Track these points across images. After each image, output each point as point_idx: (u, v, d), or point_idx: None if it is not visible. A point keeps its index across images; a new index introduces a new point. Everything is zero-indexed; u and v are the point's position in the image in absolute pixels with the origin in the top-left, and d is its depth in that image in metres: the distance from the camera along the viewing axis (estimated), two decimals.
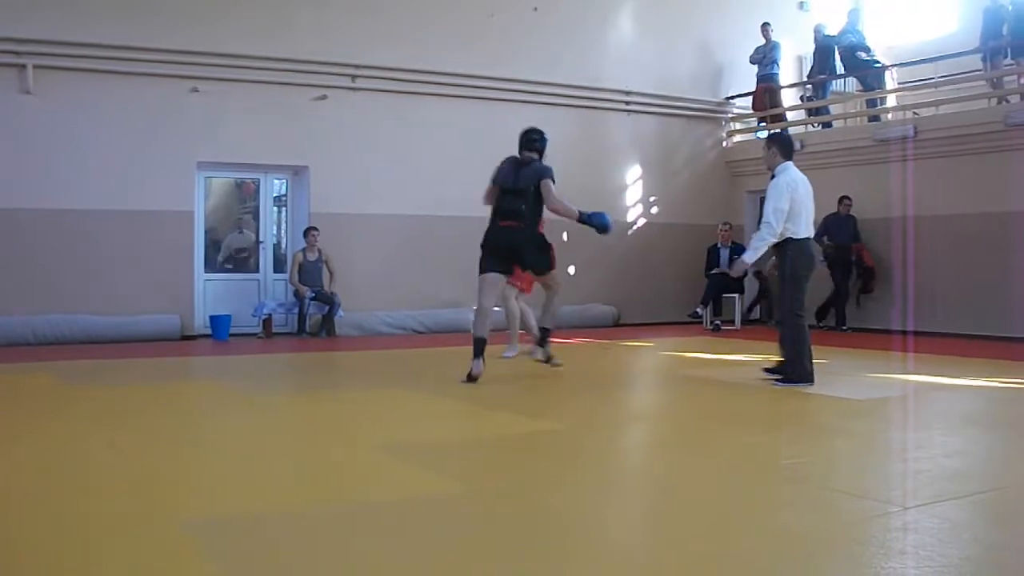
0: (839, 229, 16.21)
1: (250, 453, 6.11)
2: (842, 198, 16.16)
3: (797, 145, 17.33)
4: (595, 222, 9.61)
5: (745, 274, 16.70)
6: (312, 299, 14.83)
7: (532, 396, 8.64)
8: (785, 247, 8.75)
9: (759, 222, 8.91)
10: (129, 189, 13.96)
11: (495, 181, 9.84)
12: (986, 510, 4.69)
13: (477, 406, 7.95)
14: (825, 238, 15.53)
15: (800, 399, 8.33)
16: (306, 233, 15.00)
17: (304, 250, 14.99)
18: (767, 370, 9.01)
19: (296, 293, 14.86)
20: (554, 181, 9.53)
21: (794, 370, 8.73)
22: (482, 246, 9.69)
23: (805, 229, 8.75)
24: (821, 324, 16.21)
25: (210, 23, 14.41)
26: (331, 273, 15.06)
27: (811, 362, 8.79)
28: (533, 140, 9.85)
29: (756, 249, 8.87)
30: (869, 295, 16.28)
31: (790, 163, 8.95)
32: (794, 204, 8.67)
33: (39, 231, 13.49)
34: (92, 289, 13.65)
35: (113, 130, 13.86)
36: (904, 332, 14.43)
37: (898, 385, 9.45)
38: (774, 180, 8.87)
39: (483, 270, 9.58)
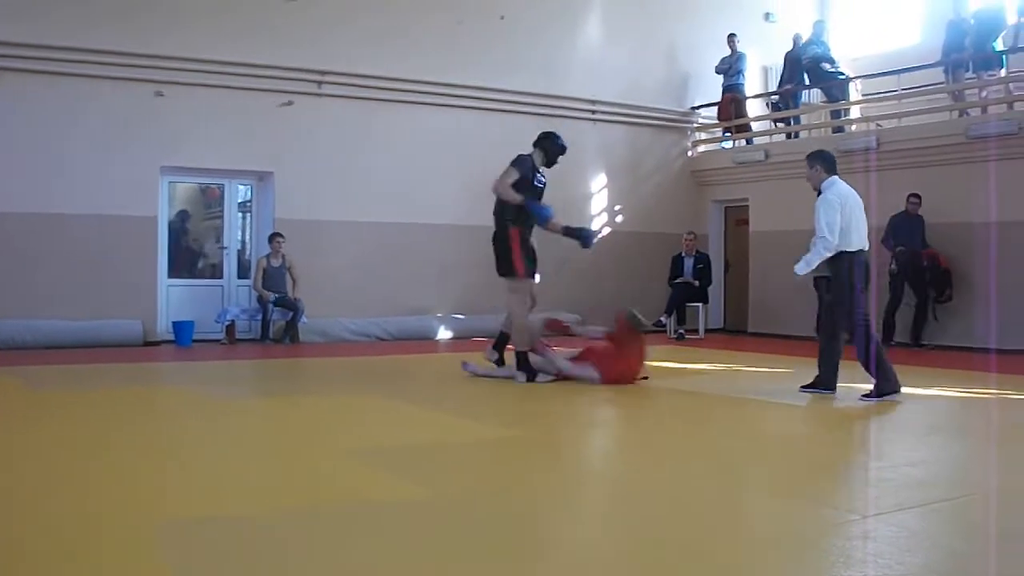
0: (908, 232, 14.91)
1: (214, 459, 6.08)
2: (910, 196, 14.94)
3: (761, 155, 17.59)
4: (535, 212, 9.61)
5: (701, 286, 16.87)
6: (275, 305, 14.76)
7: (495, 403, 8.63)
8: (839, 260, 8.80)
9: (812, 238, 8.98)
10: (92, 193, 13.85)
11: None
12: (945, 518, 4.72)
13: (440, 412, 7.96)
14: (892, 242, 14.88)
15: (763, 409, 8.38)
16: (271, 239, 14.95)
17: (268, 256, 14.94)
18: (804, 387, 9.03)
19: (260, 299, 14.79)
20: (517, 169, 9.61)
21: (821, 377, 8.88)
22: None
23: (858, 241, 8.83)
24: (892, 342, 14.57)
25: (176, 28, 14.33)
26: (294, 280, 14.99)
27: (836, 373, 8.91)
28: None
29: (809, 262, 8.88)
30: (946, 304, 15.03)
31: (836, 177, 9.06)
32: (844, 218, 8.75)
33: (1, 235, 13.38)
34: (54, 294, 13.54)
35: (77, 134, 13.76)
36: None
37: (860, 394, 9.50)
38: (823, 195, 8.93)
39: None
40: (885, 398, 8.57)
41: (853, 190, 9.04)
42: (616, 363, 9.37)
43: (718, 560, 3.99)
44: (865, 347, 8.69)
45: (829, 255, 8.75)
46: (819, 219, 8.74)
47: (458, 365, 10.82)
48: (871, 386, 8.69)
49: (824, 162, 9.13)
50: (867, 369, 8.70)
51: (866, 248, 8.93)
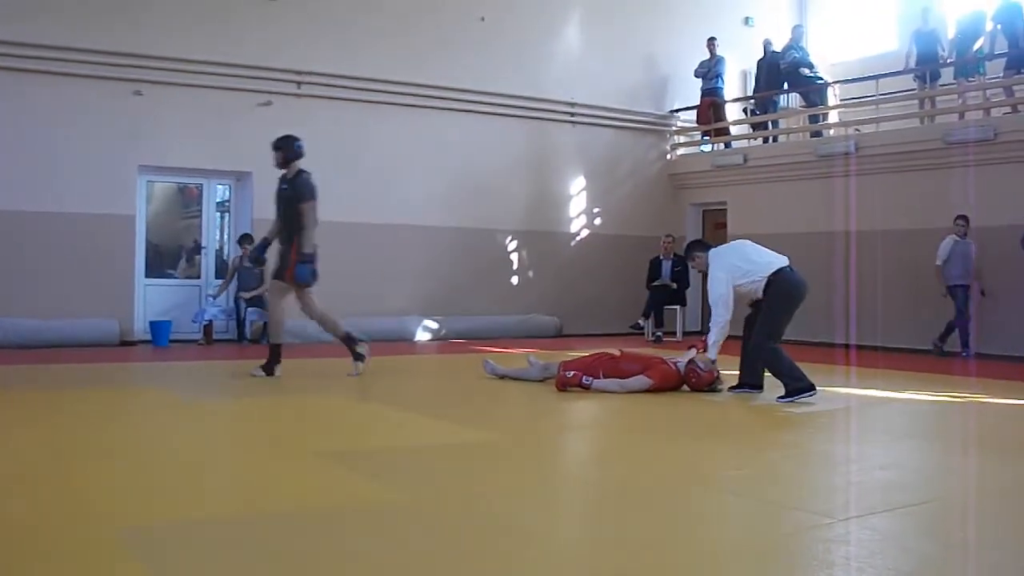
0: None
1: (188, 460, 6.05)
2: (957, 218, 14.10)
3: (739, 159, 17.63)
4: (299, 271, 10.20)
5: (679, 289, 16.91)
6: (249, 304, 14.73)
7: (472, 406, 8.62)
8: (769, 286, 8.96)
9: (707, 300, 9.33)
10: (70, 192, 13.80)
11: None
12: (917, 521, 4.74)
13: (416, 415, 7.95)
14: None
15: (738, 411, 8.40)
16: (240, 241, 14.91)
17: (240, 256, 14.89)
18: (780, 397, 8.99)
19: (238, 301, 14.74)
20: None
21: (791, 385, 8.79)
22: None
23: (775, 264, 9.08)
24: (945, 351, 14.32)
25: (155, 26, 14.30)
26: (263, 281, 14.91)
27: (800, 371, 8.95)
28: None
29: (716, 343, 9.12)
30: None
31: (713, 250, 9.41)
32: (745, 264, 9.06)
33: None
34: (29, 292, 13.47)
35: (54, 132, 13.71)
36: (847, 346, 14.61)
37: (835, 398, 9.53)
38: (710, 274, 9.18)
39: None
40: (799, 397, 8.71)
41: (734, 243, 9.68)
42: (664, 367, 9.33)
43: (690, 563, 4.00)
44: (771, 362, 9.05)
45: (729, 317, 9.01)
46: (711, 295, 9.14)
47: (434, 366, 10.79)
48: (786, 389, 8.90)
49: (698, 247, 9.65)
50: (779, 377, 8.94)
51: (786, 265, 9.17)
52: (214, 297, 14.95)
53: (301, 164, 10.53)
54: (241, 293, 14.77)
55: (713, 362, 9.21)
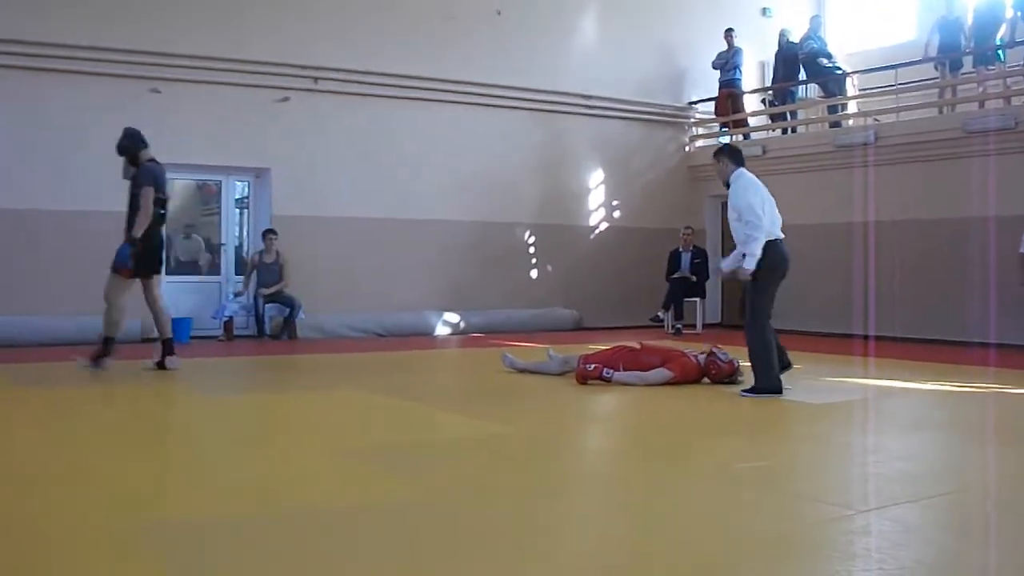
0: None
1: (208, 456, 6.07)
2: None
3: (758, 150, 17.56)
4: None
5: (698, 281, 16.88)
6: (268, 301, 14.76)
7: (492, 400, 8.61)
8: (765, 254, 8.63)
9: (737, 231, 8.81)
10: (89, 190, 13.81)
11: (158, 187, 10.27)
12: (938, 513, 4.72)
13: (436, 409, 7.95)
14: None
15: (757, 404, 8.36)
16: (264, 235, 14.94)
17: (261, 252, 14.92)
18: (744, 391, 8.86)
19: (256, 297, 14.77)
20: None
21: (762, 381, 8.57)
22: None
23: (774, 230, 8.73)
24: None
25: (172, 24, 14.32)
26: (282, 277, 14.93)
27: (777, 371, 8.63)
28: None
29: (753, 255, 8.58)
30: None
31: (743, 169, 8.92)
32: (759, 207, 8.61)
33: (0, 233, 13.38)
34: (51, 291, 13.52)
35: (73, 130, 13.73)
36: (866, 336, 14.56)
37: (855, 389, 9.51)
38: (735, 184, 8.79)
39: None
40: (762, 396, 8.43)
41: (758, 181, 8.94)
42: (685, 360, 9.31)
43: (712, 556, 3.99)
44: (757, 346, 8.63)
45: (764, 237, 8.58)
46: (740, 205, 8.67)
47: (453, 360, 10.78)
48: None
49: (731, 155, 9.06)
50: (753, 365, 8.68)
51: (780, 237, 8.82)
52: (236, 295, 14.95)
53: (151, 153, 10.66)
54: (261, 290, 14.77)
55: (749, 272, 8.69)
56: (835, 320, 15.93)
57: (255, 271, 14.88)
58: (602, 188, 18.41)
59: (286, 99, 15.27)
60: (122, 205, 14.02)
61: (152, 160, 10.44)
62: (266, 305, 14.80)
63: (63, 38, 13.58)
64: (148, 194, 10.28)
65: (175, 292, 14.98)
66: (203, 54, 14.49)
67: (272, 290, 14.80)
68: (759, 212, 8.53)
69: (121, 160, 10.76)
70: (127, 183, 14.08)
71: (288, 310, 14.85)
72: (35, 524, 4.35)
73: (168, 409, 8.32)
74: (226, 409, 8.17)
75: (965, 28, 16.25)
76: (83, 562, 3.82)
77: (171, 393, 9.15)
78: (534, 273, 17.70)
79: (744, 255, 8.60)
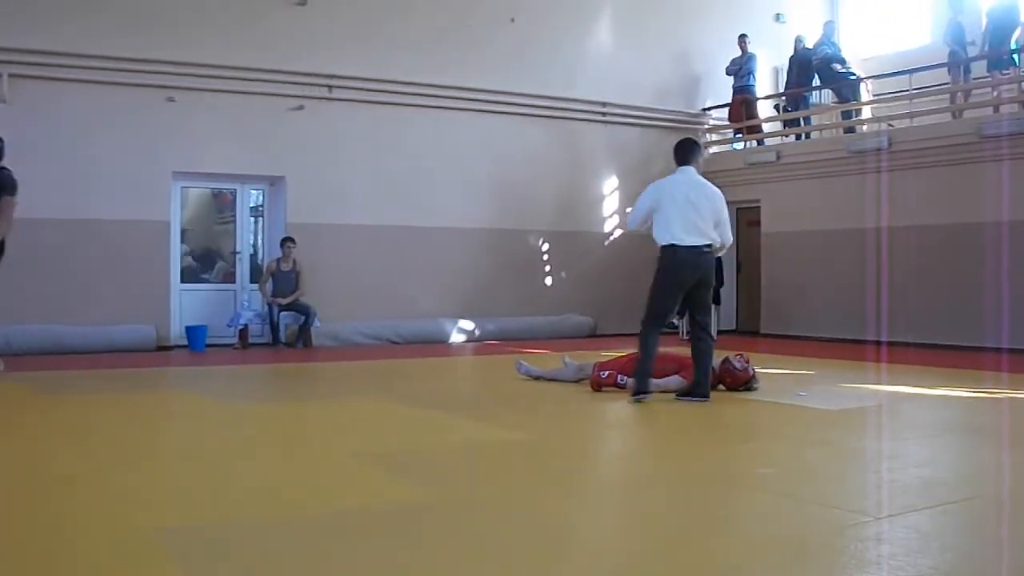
0: None
1: (223, 462, 6.09)
2: None
3: (772, 156, 17.52)
4: None
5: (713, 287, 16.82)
6: (284, 309, 14.79)
7: (506, 407, 8.61)
8: (661, 253, 8.68)
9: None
10: (105, 199, 13.91)
11: None
12: (956, 519, 4.71)
13: (450, 416, 7.95)
14: None
15: (771, 410, 8.36)
16: (282, 243, 14.97)
17: (278, 260, 14.96)
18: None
19: (271, 305, 14.80)
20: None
21: (635, 385, 8.59)
22: None
23: (669, 236, 8.55)
24: None
25: (186, 33, 14.39)
26: (299, 285, 14.96)
27: (644, 376, 8.60)
28: None
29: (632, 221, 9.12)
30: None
31: (682, 167, 8.89)
32: (659, 206, 8.64)
33: (14, 240, 13.36)
34: (67, 300, 13.60)
35: (89, 139, 13.83)
36: (878, 342, 14.54)
37: (870, 395, 9.50)
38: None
39: None
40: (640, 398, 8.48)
41: (698, 181, 8.86)
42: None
43: (728, 562, 3.98)
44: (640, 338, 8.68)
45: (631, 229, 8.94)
46: None
47: (468, 367, 10.78)
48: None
49: (674, 151, 9.15)
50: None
51: (682, 243, 8.52)
52: (278, 305, 14.92)
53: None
54: (276, 299, 14.77)
55: None
56: (848, 326, 15.90)
57: (271, 278, 14.90)
58: (616, 195, 18.41)
59: (300, 107, 15.32)
60: (146, 214, 14.20)
61: (6, 168, 10.49)
62: (281, 313, 14.83)
63: (79, 48, 13.67)
64: (10, 203, 10.38)
65: (191, 299, 15.07)
66: (218, 63, 14.56)
67: (289, 300, 14.82)
68: (636, 206, 8.92)
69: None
70: (150, 190, 14.26)
71: (303, 318, 14.88)
72: (55, 528, 4.38)
73: (185, 417, 8.34)
74: (242, 417, 8.18)
75: (967, 33, 16.17)
76: (100, 565, 3.84)
77: (188, 401, 9.17)
78: (549, 280, 17.71)
79: None
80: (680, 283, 8.61)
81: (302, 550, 4.04)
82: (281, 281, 14.87)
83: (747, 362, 9.40)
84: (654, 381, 8.86)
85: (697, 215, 8.56)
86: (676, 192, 8.68)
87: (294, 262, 14.96)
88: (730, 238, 8.97)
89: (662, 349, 9.81)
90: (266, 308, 14.94)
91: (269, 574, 3.79)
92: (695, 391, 8.62)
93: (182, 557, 3.96)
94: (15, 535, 4.28)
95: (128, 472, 5.68)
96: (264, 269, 15.25)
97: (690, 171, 8.86)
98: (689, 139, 9.38)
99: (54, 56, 13.57)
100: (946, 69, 16.46)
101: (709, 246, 8.59)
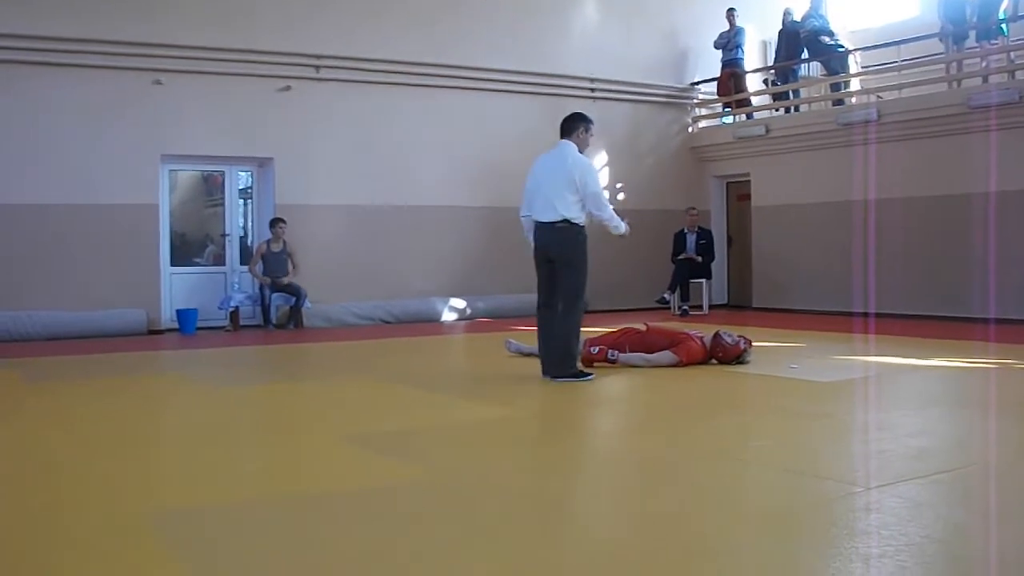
0: None
1: (216, 444, 6.09)
2: None
3: (761, 130, 17.52)
4: None
5: (704, 262, 16.86)
6: (275, 290, 14.76)
7: (497, 384, 8.62)
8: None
9: None
10: (92, 183, 13.86)
11: None
12: (949, 489, 4.73)
13: (442, 395, 7.98)
14: None
15: (763, 383, 8.38)
16: (272, 224, 14.94)
17: (268, 241, 14.93)
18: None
19: (262, 287, 14.77)
20: None
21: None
22: None
23: (533, 212, 8.62)
24: None
25: (171, 14, 14.31)
26: (294, 266, 14.96)
27: (541, 355, 8.61)
28: None
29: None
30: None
31: (561, 141, 8.72)
32: (528, 186, 8.68)
33: (1, 226, 13.37)
34: (56, 285, 13.55)
35: (75, 124, 13.76)
36: (866, 314, 14.58)
37: (860, 367, 9.52)
38: None
39: None
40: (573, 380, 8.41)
41: (545, 155, 8.84)
42: (691, 343, 9.31)
43: (719, 534, 4.00)
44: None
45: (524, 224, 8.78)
46: None
47: (459, 346, 10.79)
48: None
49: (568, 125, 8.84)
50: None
51: (539, 220, 8.53)
52: (268, 287, 14.87)
53: None
54: (274, 279, 14.73)
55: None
56: (839, 298, 15.91)
57: (262, 260, 14.87)
58: (606, 171, 18.37)
59: (288, 88, 15.26)
60: (134, 198, 14.16)
61: None
62: (273, 294, 14.81)
63: (64, 32, 13.57)
64: None
65: (181, 283, 15.04)
66: (204, 44, 14.47)
67: (284, 281, 14.80)
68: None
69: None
70: (138, 174, 14.21)
71: (294, 299, 14.86)
72: (47, 512, 4.39)
73: (176, 400, 8.34)
74: (234, 398, 8.19)
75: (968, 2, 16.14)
76: (94, 548, 3.85)
77: (179, 384, 9.17)
78: None
79: None
80: (538, 260, 8.67)
81: (294, 530, 4.05)
82: (273, 262, 14.84)
83: (749, 344, 9.41)
84: (645, 356, 8.87)
85: (551, 190, 8.42)
86: (539, 167, 8.70)
87: (284, 243, 14.94)
88: (605, 210, 8.65)
89: (655, 323, 9.84)
90: (257, 290, 14.91)
91: (263, 555, 3.79)
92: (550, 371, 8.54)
93: (175, 539, 3.97)
94: (8, 520, 4.28)
95: (120, 456, 5.68)
96: (254, 251, 15.21)
97: (563, 145, 8.66)
98: (574, 113, 9.06)
99: (40, 41, 13.48)
100: (935, 40, 16.42)
101: (565, 221, 8.40)
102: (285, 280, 14.85)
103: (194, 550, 3.86)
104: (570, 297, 8.49)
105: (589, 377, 8.45)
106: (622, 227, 8.82)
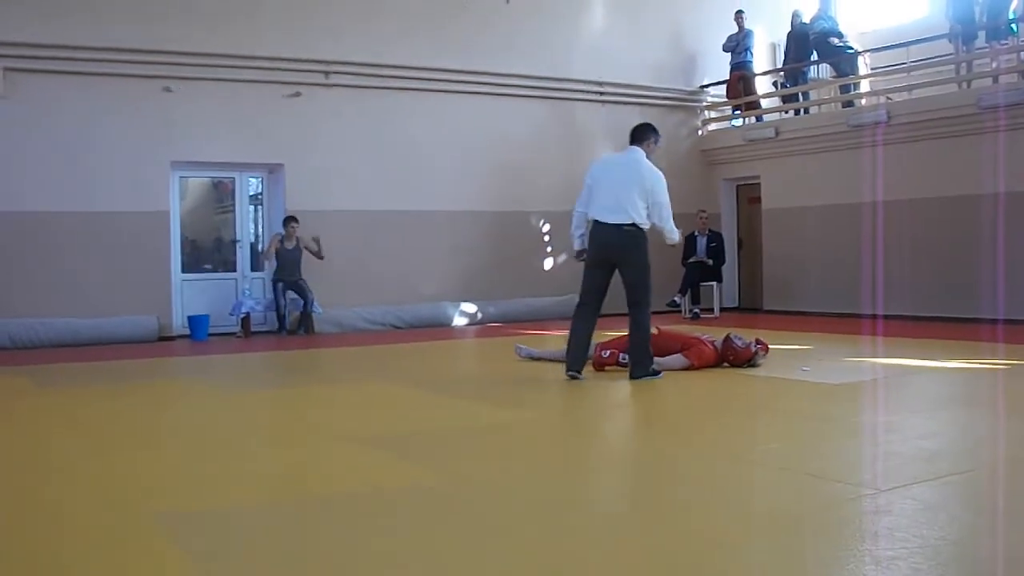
0: None
1: (225, 447, 6.10)
2: None
3: (771, 132, 17.50)
4: None
5: (715, 265, 16.84)
6: (285, 286, 14.74)
7: (509, 388, 8.63)
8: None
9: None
10: (103, 191, 13.89)
11: None
12: (962, 490, 4.71)
13: (453, 398, 7.98)
14: None
15: (773, 386, 8.37)
16: (285, 223, 14.93)
17: (282, 238, 14.92)
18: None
19: (274, 283, 14.76)
20: None
21: (568, 357, 8.70)
22: None
23: (595, 212, 8.61)
24: None
25: (182, 22, 14.35)
26: (319, 247, 15.01)
27: (572, 353, 8.68)
28: None
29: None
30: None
31: (630, 147, 9.00)
32: (591, 184, 8.71)
33: (13, 234, 13.41)
34: (68, 292, 13.59)
35: (87, 131, 13.80)
36: (874, 316, 14.56)
37: (870, 369, 9.50)
38: None
39: None
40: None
41: (619, 157, 9.09)
42: (703, 347, 9.31)
43: (730, 536, 3.99)
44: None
45: (575, 219, 8.84)
46: None
47: (470, 350, 10.79)
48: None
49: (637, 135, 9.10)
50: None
51: (603, 220, 8.57)
52: (281, 289, 14.93)
53: None
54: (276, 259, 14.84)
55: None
56: (850, 300, 15.87)
57: (275, 255, 14.86)
58: None
59: (297, 94, 15.28)
60: (145, 205, 14.19)
61: None
62: (286, 292, 14.77)
63: (74, 40, 13.61)
64: None
65: (192, 289, 15.06)
66: (213, 51, 14.52)
67: (319, 251, 14.99)
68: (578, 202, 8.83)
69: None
70: (149, 181, 14.25)
71: (303, 303, 14.84)
72: (57, 512, 4.40)
73: (189, 405, 8.35)
74: (245, 402, 8.21)
75: (979, 0, 16.08)
76: (101, 551, 3.86)
77: (190, 389, 9.19)
78: (549, 262, 17.68)
79: None
80: (594, 260, 8.71)
81: (305, 534, 4.05)
82: (286, 260, 14.85)
83: (766, 350, 9.43)
84: (657, 359, 8.85)
85: (624, 194, 8.56)
86: (601, 169, 8.88)
87: (298, 240, 14.93)
88: (668, 222, 8.88)
89: (666, 327, 9.83)
90: (272, 295, 14.91)
91: (272, 557, 3.80)
92: (634, 372, 8.63)
93: (180, 540, 3.97)
94: (15, 521, 4.31)
95: (126, 459, 5.70)
96: (268, 241, 15.21)
97: (634, 151, 8.90)
98: (645, 123, 9.38)
99: (50, 49, 13.53)
100: (945, 40, 16.38)
101: (633, 225, 8.52)
102: (316, 249, 14.98)
103: (201, 550, 3.87)
104: (643, 297, 8.73)
105: (661, 375, 8.62)
106: (676, 237, 9.10)
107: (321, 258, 14.99)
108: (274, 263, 14.90)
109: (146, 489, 4.93)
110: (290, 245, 14.91)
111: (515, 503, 4.57)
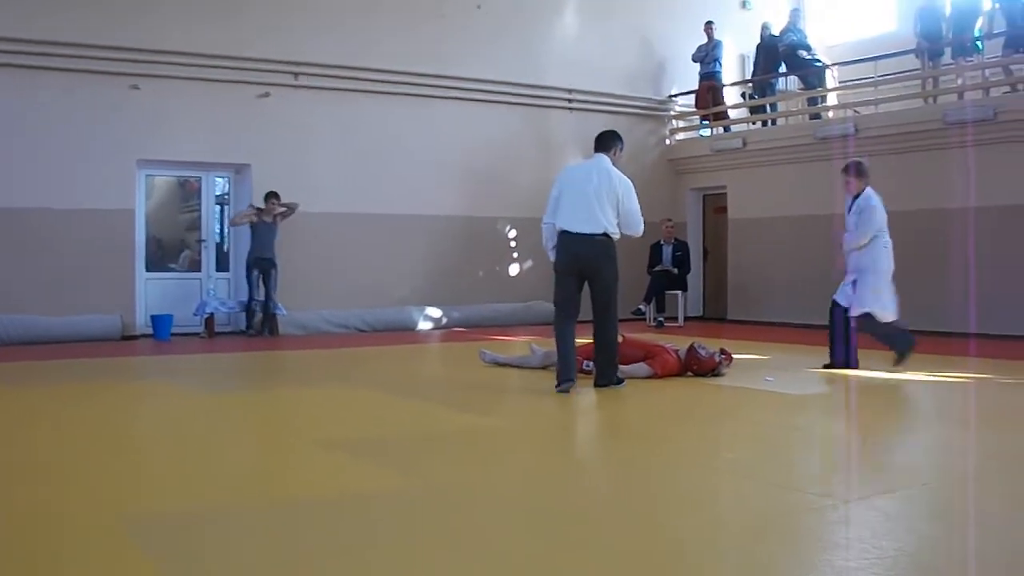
0: None
1: (191, 451, 6.07)
2: None
3: (739, 143, 17.57)
4: None
5: (680, 274, 16.91)
6: (259, 277, 14.67)
7: (474, 393, 8.62)
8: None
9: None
10: (68, 187, 13.78)
11: None
12: (923, 503, 4.74)
13: (420, 402, 7.96)
14: None
15: (739, 396, 8.40)
16: (267, 198, 14.83)
17: (259, 211, 14.82)
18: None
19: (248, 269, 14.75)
20: None
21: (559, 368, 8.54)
22: None
23: (563, 222, 8.52)
24: None
25: (150, 19, 14.27)
26: (290, 208, 14.94)
27: (563, 360, 8.48)
28: None
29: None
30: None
31: (597, 154, 9.04)
32: (558, 196, 8.64)
33: None
34: (30, 289, 13.46)
35: (53, 128, 13.68)
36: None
37: (835, 380, 9.55)
38: None
39: None
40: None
41: (587, 164, 9.03)
42: (666, 356, 9.32)
43: (693, 544, 4.00)
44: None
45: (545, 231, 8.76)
46: None
47: (435, 355, 10.78)
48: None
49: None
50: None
51: (573, 230, 8.46)
52: (249, 263, 14.83)
53: None
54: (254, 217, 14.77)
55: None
56: (815, 311, 15.87)
57: (251, 230, 14.80)
58: None
59: (266, 95, 15.22)
60: (110, 203, 14.08)
61: None
62: (259, 283, 14.73)
63: (40, 35, 13.52)
64: None
65: (156, 288, 14.97)
66: (182, 50, 14.43)
67: (290, 207, 14.89)
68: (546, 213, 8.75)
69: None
70: (114, 178, 14.14)
71: (267, 302, 14.73)
72: (24, 517, 4.35)
73: (152, 406, 8.30)
74: (213, 406, 8.14)
75: (946, 17, 16.23)
76: (68, 555, 3.82)
77: (155, 391, 9.13)
78: (515, 268, 17.69)
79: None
80: (565, 269, 8.59)
81: (271, 536, 4.04)
82: (262, 233, 14.77)
83: (730, 360, 9.47)
84: (620, 368, 8.86)
85: (596, 204, 8.52)
86: (568, 177, 8.83)
87: (275, 217, 14.81)
88: (639, 227, 8.89)
89: (631, 335, 9.84)
90: (245, 280, 14.81)
91: (240, 559, 3.78)
92: (599, 380, 8.62)
93: (147, 544, 3.94)
94: None
95: (92, 462, 5.64)
96: (245, 209, 15.05)
97: (601, 159, 8.91)
98: (610, 130, 9.45)
99: (14, 43, 13.42)
100: (912, 56, 16.52)
101: (605, 234, 8.49)
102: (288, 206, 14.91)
103: (167, 554, 3.84)
104: (610, 307, 8.69)
105: (624, 384, 8.61)
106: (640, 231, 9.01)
107: (291, 212, 14.94)
108: (249, 236, 14.81)
109: (112, 492, 4.89)
110: (268, 219, 14.78)
111: (482, 508, 4.57)
